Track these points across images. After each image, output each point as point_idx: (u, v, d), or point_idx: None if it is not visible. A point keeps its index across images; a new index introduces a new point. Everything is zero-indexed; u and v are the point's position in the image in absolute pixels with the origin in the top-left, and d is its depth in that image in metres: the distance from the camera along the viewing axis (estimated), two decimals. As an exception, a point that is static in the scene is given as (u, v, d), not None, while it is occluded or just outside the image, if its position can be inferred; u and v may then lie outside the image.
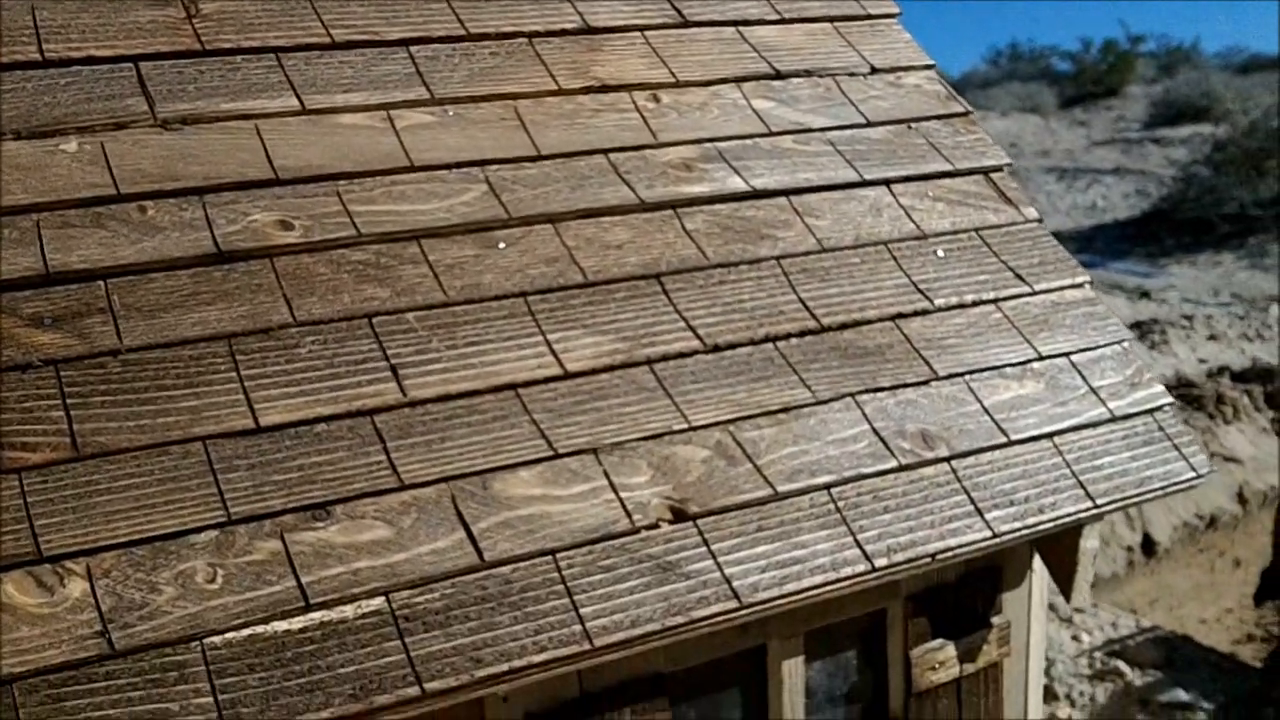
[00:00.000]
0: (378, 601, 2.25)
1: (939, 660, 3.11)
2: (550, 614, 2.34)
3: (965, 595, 3.14)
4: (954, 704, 3.18)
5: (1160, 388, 3.15)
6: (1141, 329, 12.73)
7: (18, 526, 2.16)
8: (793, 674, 2.97)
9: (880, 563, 2.60)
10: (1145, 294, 17.38)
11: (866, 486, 2.70)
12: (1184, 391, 10.17)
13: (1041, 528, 2.80)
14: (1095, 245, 22.44)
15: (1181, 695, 6.40)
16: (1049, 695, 6.36)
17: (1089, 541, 3.00)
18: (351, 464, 2.40)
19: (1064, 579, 3.06)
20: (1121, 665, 6.73)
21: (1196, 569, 8.63)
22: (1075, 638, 6.97)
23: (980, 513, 2.74)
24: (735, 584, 2.47)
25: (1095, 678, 6.60)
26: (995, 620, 3.19)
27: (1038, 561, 3.25)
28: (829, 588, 2.56)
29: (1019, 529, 2.77)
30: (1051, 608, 7.39)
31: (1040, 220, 3.40)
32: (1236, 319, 13.22)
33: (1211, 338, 12.10)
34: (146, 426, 2.34)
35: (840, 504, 2.65)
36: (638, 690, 2.75)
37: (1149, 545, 8.50)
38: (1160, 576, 8.40)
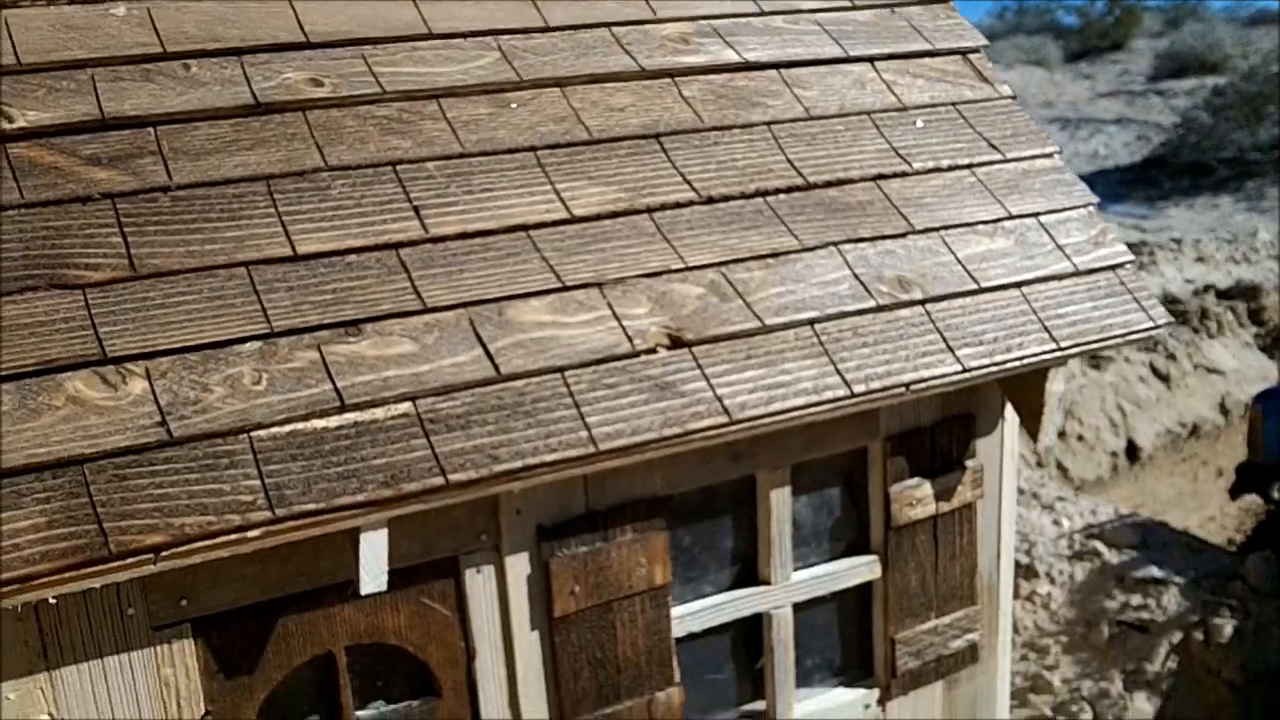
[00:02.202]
0: (405, 406, 2.52)
1: (916, 497, 3.38)
2: (559, 422, 2.60)
3: (941, 438, 3.40)
4: (930, 540, 3.45)
5: (1123, 246, 3.40)
6: (1129, 250, 12.88)
7: (84, 333, 2.42)
8: (780, 504, 3.23)
9: (859, 389, 2.86)
10: (1141, 232, 17.60)
11: (847, 324, 2.96)
12: (1169, 307, 10.42)
13: (1009, 366, 3.06)
14: (1095, 189, 22.51)
15: (1155, 572, 6.70)
16: (1030, 573, 6.64)
17: (1055, 385, 3.26)
18: (379, 289, 2.66)
19: (1032, 420, 3.32)
20: (1099, 546, 7.01)
21: (1179, 476, 8.91)
22: (1055, 522, 7.25)
23: (951, 349, 3.00)
24: (726, 402, 2.73)
25: (1074, 557, 6.89)
26: (969, 464, 3.46)
27: (1009, 412, 3.51)
28: (811, 409, 2.82)
29: (987, 365, 3.02)
30: (1034, 496, 7.69)
31: (1014, 97, 3.64)
32: (1224, 243, 13.45)
33: (1199, 260, 12.35)
34: (195, 252, 2.60)
35: (823, 338, 2.91)
36: (638, 510, 3.02)
37: (1133, 451, 8.78)
38: (1144, 483, 8.69)
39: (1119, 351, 9.40)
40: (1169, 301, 10.48)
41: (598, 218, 2.94)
